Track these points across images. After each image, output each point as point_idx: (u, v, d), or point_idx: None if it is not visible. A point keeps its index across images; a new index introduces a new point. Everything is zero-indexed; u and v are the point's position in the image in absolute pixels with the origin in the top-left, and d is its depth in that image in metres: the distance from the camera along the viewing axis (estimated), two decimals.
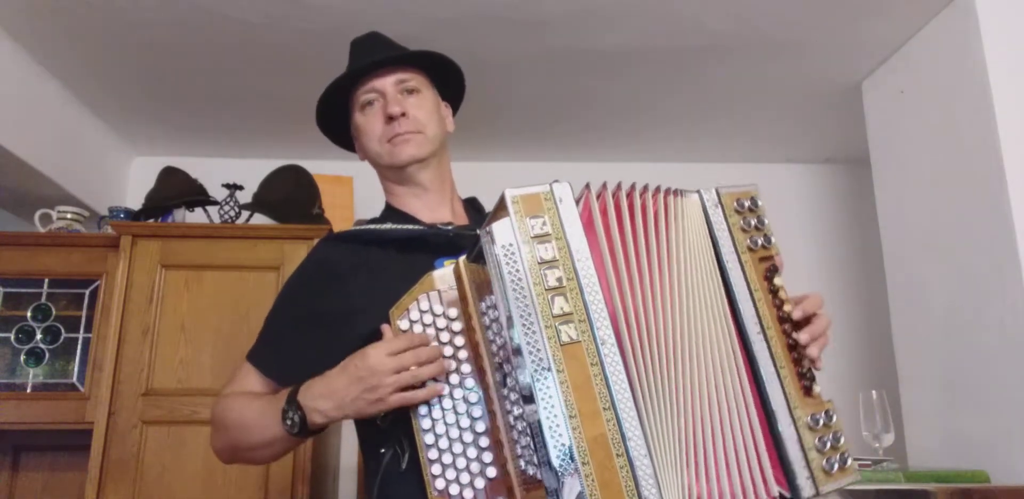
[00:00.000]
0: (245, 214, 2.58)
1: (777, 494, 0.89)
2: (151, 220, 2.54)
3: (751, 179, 3.43)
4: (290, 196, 2.55)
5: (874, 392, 1.98)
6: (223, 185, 2.61)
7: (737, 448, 0.89)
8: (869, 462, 1.81)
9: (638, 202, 0.94)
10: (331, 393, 0.98)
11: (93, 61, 2.42)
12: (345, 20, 2.18)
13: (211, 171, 2.79)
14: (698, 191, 1.00)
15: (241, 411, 1.12)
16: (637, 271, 0.90)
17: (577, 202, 0.89)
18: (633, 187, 0.95)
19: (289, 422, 1.01)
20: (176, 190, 2.56)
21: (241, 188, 2.63)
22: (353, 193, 2.88)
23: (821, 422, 0.92)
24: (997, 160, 1.91)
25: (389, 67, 1.23)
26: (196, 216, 2.65)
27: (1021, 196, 1.87)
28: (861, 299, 3.04)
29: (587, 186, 0.92)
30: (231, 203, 2.58)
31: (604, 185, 0.93)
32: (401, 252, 1.16)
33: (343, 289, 1.14)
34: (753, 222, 0.99)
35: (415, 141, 1.20)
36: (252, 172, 2.66)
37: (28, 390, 2.37)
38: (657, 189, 0.97)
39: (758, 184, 1.03)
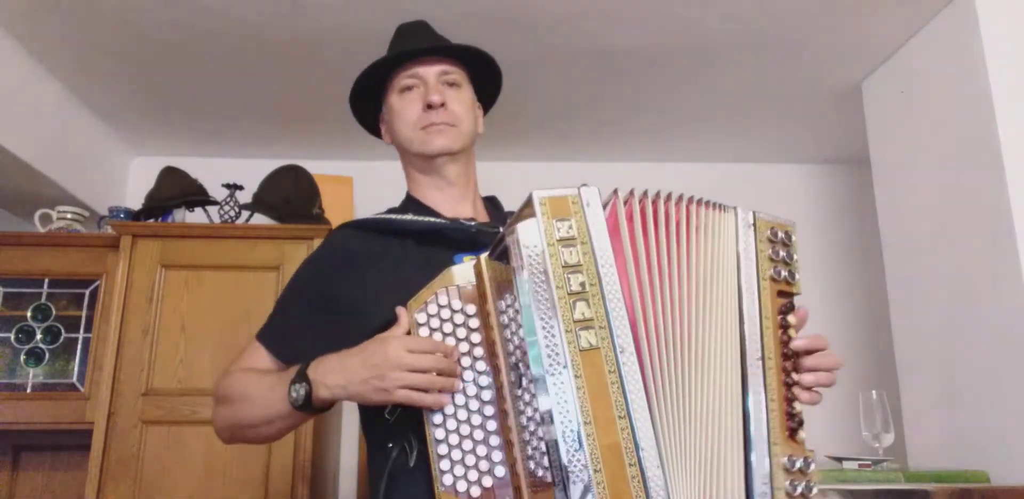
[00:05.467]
0: (245, 214, 2.58)
1: None
2: (151, 220, 2.54)
3: (751, 179, 3.44)
4: (290, 196, 2.55)
5: (874, 392, 1.98)
6: (223, 185, 2.61)
7: (727, 471, 0.87)
8: (869, 462, 1.81)
9: (662, 210, 0.93)
10: (342, 370, 0.98)
11: (93, 61, 2.42)
12: (345, 20, 2.18)
13: (211, 171, 2.79)
14: (735, 208, 0.98)
15: (246, 386, 1.11)
16: (659, 280, 0.90)
17: (604, 207, 0.89)
18: (658, 195, 0.94)
19: (294, 394, 1.00)
20: (176, 190, 2.56)
21: (241, 188, 2.63)
22: (353, 193, 2.88)
23: (798, 466, 0.89)
24: (997, 160, 1.91)
25: (435, 57, 1.24)
26: (196, 216, 2.65)
27: (1021, 196, 1.87)
28: (861, 299, 3.04)
29: (615, 191, 0.92)
30: (231, 203, 2.58)
31: (631, 191, 0.92)
32: (420, 244, 1.16)
33: (359, 277, 1.13)
34: (782, 254, 0.98)
35: (449, 133, 1.20)
36: (252, 172, 2.66)
37: (28, 390, 2.37)
38: (688, 199, 0.96)
39: (796, 223, 1.02)
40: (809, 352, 0.97)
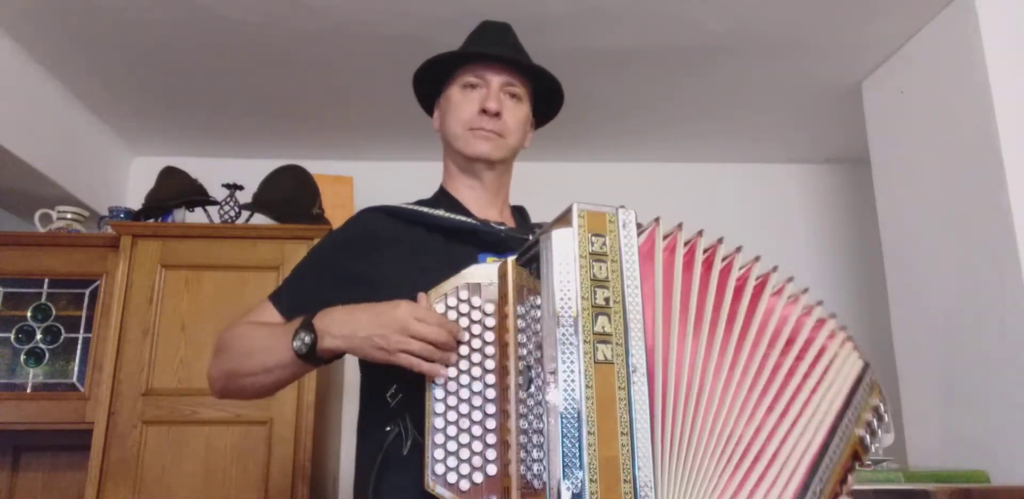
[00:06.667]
0: (245, 214, 2.58)
1: None
2: (151, 220, 2.54)
3: (751, 179, 3.43)
4: (290, 196, 2.55)
5: None
6: (223, 185, 2.61)
7: None
8: (869, 462, 1.81)
9: (734, 262, 0.97)
10: (348, 322, 1.00)
11: (93, 61, 2.42)
12: (344, 20, 2.18)
13: (211, 171, 2.79)
14: (866, 364, 1.05)
15: (250, 334, 1.13)
16: (696, 319, 0.92)
17: (642, 232, 0.92)
18: (738, 250, 0.98)
19: (299, 342, 1.02)
20: (176, 190, 2.56)
21: (241, 188, 2.63)
22: (353, 193, 2.88)
23: None
24: (997, 160, 1.91)
25: (507, 66, 1.25)
26: (196, 216, 2.65)
27: (1021, 196, 1.87)
28: (861, 299, 3.04)
29: (656, 219, 0.94)
30: (231, 203, 2.58)
31: (679, 225, 0.96)
32: (447, 239, 1.18)
33: (379, 257, 1.16)
34: (875, 424, 1.03)
35: (494, 142, 1.23)
36: (252, 172, 2.66)
37: (28, 390, 2.37)
38: (801, 291, 1.02)
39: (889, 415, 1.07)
40: None
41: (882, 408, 1.04)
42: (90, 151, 2.82)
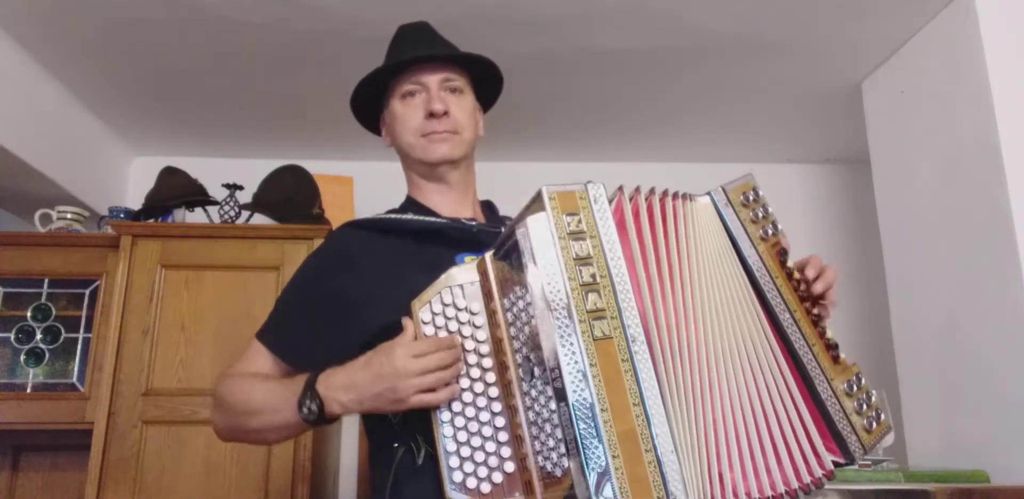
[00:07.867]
0: (245, 214, 2.58)
1: (830, 467, 0.94)
2: (151, 220, 2.54)
3: None
4: (290, 196, 2.55)
5: (874, 392, 1.98)
6: (223, 185, 2.61)
7: (783, 432, 0.94)
8: (869, 462, 1.81)
9: (658, 206, 0.98)
10: (352, 386, 0.98)
11: (93, 61, 2.41)
12: (344, 21, 2.18)
13: (211, 171, 2.79)
14: (708, 193, 1.05)
15: (249, 393, 1.10)
16: (667, 273, 0.94)
17: (610, 203, 0.92)
18: (655, 191, 0.99)
19: (306, 410, 1.00)
20: (176, 190, 2.56)
21: (241, 188, 2.63)
22: (353, 193, 2.88)
23: (855, 386, 1.00)
24: (997, 160, 1.91)
25: (439, 63, 1.23)
26: (196, 216, 2.65)
27: (1021, 196, 1.87)
28: (861, 299, 3.04)
29: (620, 188, 0.95)
30: (231, 203, 2.58)
31: (637, 188, 0.96)
32: (420, 243, 1.16)
33: (359, 275, 1.14)
34: (760, 213, 1.05)
35: (451, 141, 1.21)
36: (252, 172, 2.66)
37: (28, 390, 2.37)
38: (672, 194, 1.01)
39: (752, 173, 1.09)
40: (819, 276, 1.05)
41: (752, 196, 1.06)
42: (90, 151, 2.82)
